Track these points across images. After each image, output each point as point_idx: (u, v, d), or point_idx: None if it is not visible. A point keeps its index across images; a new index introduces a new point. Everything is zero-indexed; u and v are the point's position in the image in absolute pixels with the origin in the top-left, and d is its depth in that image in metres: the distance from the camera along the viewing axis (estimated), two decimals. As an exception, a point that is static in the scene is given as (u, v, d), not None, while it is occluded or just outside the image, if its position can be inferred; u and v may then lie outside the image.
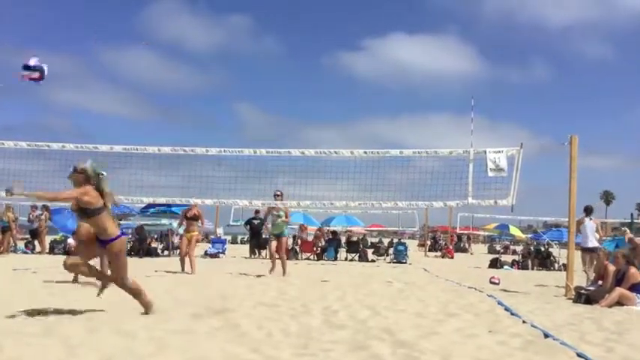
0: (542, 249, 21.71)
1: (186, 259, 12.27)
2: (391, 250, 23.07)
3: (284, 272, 11.90)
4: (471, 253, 34.94)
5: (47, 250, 19.63)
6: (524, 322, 6.56)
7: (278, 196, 11.72)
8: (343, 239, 24.08)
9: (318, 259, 20.96)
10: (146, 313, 6.29)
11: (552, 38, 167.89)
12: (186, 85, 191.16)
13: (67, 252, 18.41)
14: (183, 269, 12.26)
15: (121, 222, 30.56)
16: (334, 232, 24.16)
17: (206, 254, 20.62)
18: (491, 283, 11.85)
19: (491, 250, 36.86)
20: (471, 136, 11.11)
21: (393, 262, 20.63)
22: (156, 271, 12.15)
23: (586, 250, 11.65)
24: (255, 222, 20.56)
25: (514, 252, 31.44)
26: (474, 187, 10.76)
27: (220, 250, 21.18)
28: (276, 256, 12.10)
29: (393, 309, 7.46)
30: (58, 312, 6.20)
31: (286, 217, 11.90)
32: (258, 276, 11.93)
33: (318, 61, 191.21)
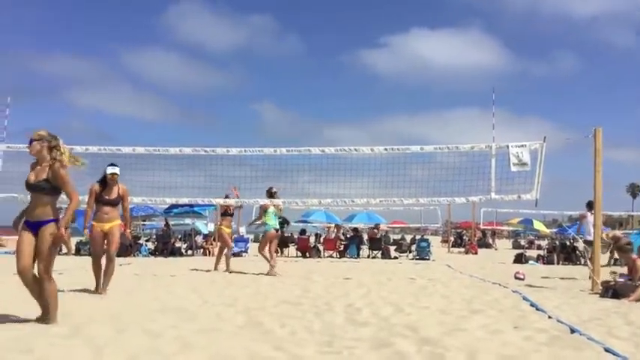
0: (568, 243, 21.41)
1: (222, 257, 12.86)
2: (414, 247, 22.98)
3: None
4: (495, 249, 34.64)
5: (73, 252, 19.93)
6: (549, 317, 6.49)
7: (275, 193, 11.87)
8: (365, 236, 24.05)
9: (340, 257, 20.96)
10: (43, 320, 5.53)
11: (577, 29, 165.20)
12: (206, 85, 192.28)
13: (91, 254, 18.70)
14: (224, 266, 12.64)
15: (145, 222, 31.16)
16: (355, 230, 24.14)
17: (229, 253, 20.75)
18: (516, 278, 11.73)
19: (515, 246, 36.49)
20: (493, 130, 10.98)
21: (416, 259, 20.54)
22: (189, 269, 12.26)
23: (588, 243, 11.55)
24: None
25: (539, 247, 31.08)
26: (497, 182, 10.65)
27: (243, 249, 21.30)
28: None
29: (416, 306, 7.43)
30: (85, 313, 6.29)
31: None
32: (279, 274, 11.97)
33: (339, 59, 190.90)
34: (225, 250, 12.97)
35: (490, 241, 37.49)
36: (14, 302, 6.48)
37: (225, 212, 13.34)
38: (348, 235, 23.89)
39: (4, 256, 15.61)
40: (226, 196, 12.22)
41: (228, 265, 12.65)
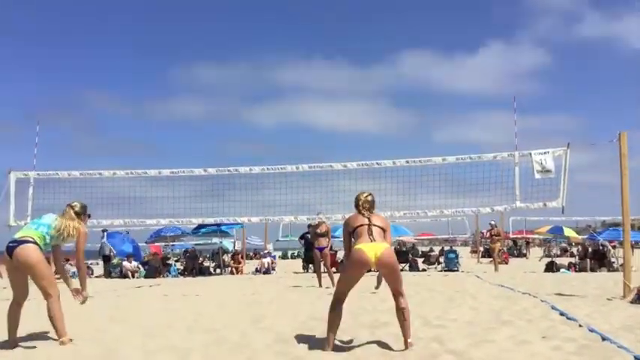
0: (600, 249, 21.01)
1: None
2: (442, 259, 22.78)
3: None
4: (527, 258, 34.12)
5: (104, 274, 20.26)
6: (580, 325, 6.39)
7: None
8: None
9: (368, 271, 20.86)
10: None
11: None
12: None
13: (123, 275, 18.99)
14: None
15: (175, 243, 31.52)
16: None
17: (257, 271, 20.85)
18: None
19: (547, 254, 35.88)
20: (516, 138, 10.93)
21: (445, 271, 20.35)
22: (217, 288, 12.36)
23: None
24: (310, 236, 20.68)
25: (572, 254, 30.53)
26: (522, 190, 10.57)
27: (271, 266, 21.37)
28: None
29: (444, 318, 7.38)
30: (117, 334, 6.40)
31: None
32: (309, 287, 11.99)
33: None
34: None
35: (523, 250, 36.95)
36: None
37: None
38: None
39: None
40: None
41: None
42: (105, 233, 20.42)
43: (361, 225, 5.46)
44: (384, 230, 5.49)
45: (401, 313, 5.45)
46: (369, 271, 5.94)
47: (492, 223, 21.41)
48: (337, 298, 5.57)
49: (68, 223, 5.66)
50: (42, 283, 5.43)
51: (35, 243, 5.42)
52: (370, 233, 5.38)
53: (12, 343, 5.64)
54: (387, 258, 5.34)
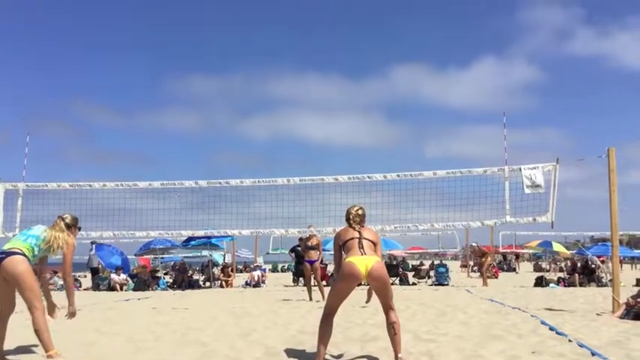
0: (589, 264, 21.11)
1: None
2: (432, 273, 22.80)
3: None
4: (516, 272, 34.22)
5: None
6: (569, 340, 6.41)
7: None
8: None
9: (358, 285, 20.82)
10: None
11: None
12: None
13: (111, 288, 18.84)
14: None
15: (164, 255, 31.39)
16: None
17: (247, 284, 20.76)
18: None
19: (536, 268, 36.04)
20: (505, 153, 11.02)
21: (435, 285, 20.36)
22: (205, 301, 12.28)
23: None
24: (300, 249, 20.64)
25: (560, 269, 30.68)
26: (512, 205, 10.64)
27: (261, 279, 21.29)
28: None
29: (434, 332, 7.38)
30: (105, 347, 6.34)
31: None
32: (299, 300, 11.95)
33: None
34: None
35: (512, 264, 37.07)
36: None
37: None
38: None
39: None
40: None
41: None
42: (94, 246, 20.28)
43: (352, 238, 5.46)
44: (374, 244, 5.49)
45: (391, 327, 5.44)
46: (360, 284, 5.92)
47: (474, 244, 21.59)
48: (328, 311, 5.54)
49: (57, 235, 5.61)
50: (28, 295, 5.34)
51: (23, 255, 5.37)
52: (361, 246, 5.38)
53: None
54: (378, 271, 5.34)
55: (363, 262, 5.28)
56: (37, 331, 5.33)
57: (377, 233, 5.87)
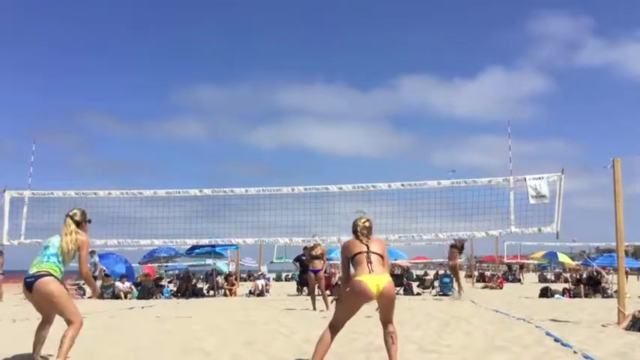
0: (595, 275, 20.99)
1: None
2: (437, 283, 22.70)
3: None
4: (521, 283, 34.05)
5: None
6: (575, 352, 6.37)
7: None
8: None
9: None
10: None
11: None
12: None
13: (116, 296, 18.84)
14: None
15: (168, 264, 31.42)
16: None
17: (250, 293, 20.73)
18: None
19: (541, 279, 35.86)
20: (510, 163, 11.01)
21: (439, 295, 20.27)
22: (210, 310, 12.26)
23: None
24: (305, 258, 20.60)
25: (566, 280, 30.51)
26: (517, 215, 10.62)
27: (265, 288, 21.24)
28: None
29: (438, 343, 7.35)
30: (108, 356, 6.34)
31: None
32: (303, 310, 11.93)
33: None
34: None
35: (517, 275, 36.88)
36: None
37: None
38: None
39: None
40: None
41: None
42: (95, 254, 20.30)
43: (360, 252, 5.40)
44: (382, 257, 5.45)
45: (389, 336, 5.42)
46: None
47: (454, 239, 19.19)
48: (334, 323, 5.45)
49: (67, 240, 5.68)
50: (65, 315, 5.52)
51: (50, 274, 5.50)
52: (369, 262, 5.32)
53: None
54: (389, 292, 5.31)
55: (375, 282, 5.21)
56: (64, 337, 5.42)
57: (384, 243, 5.83)
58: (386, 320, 5.47)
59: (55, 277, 5.51)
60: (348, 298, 5.43)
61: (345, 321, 5.51)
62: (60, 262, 5.63)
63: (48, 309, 5.63)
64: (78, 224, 5.82)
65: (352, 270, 5.46)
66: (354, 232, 5.59)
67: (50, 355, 6.02)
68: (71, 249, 5.66)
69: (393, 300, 5.42)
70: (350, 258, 5.47)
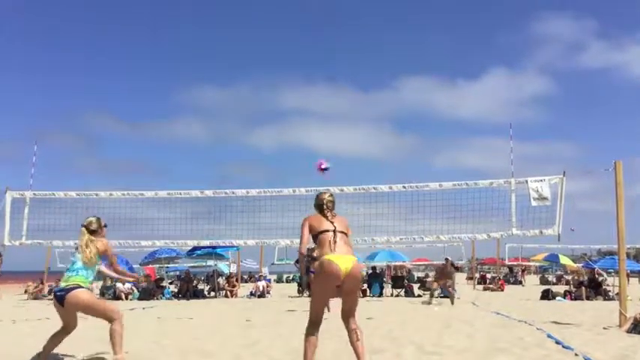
0: (596, 278, 20.92)
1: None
2: (437, 285, 22.64)
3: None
4: (523, 285, 33.99)
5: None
6: (576, 355, 6.35)
7: None
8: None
9: (363, 296, 20.75)
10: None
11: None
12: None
13: (117, 297, 18.84)
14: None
15: (169, 265, 31.42)
16: (374, 268, 23.91)
17: (251, 295, 20.72)
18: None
19: (543, 281, 35.79)
20: (512, 165, 11.00)
21: (440, 297, 20.23)
22: (210, 311, 12.25)
23: None
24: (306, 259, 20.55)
25: (567, 282, 30.44)
26: (518, 218, 10.61)
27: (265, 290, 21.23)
28: None
29: (440, 345, 7.34)
30: (106, 355, 6.33)
31: None
32: (304, 311, 11.91)
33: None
34: None
35: (519, 277, 36.81)
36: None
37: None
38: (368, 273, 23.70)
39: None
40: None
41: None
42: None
43: (326, 230, 5.14)
44: (346, 235, 5.23)
45: (354, 333, 5.09)
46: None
47: (448, 258, 19.70)
48: (314, 319, 5.10)
49: (87, 252, 5.86)
50: (105, 315, 5.82)
51: (80, 286, 5.74)
52: (335, 241, 5.06)
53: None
54: (357, 273, 5.07)
55: (343, 261, 4.93)
56: (112, 331, 5.73)
57: (347, 220, 5.52)
58: (349, 313, 5.14)
59: (84, 287, 5.77)
60: (318, 282, 5.12)
61: (322, 310, 5.19)
62: (86, 271, 5.87)
63: (73, 318, 5.87)
64: (94, 232, 6.01)
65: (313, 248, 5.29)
66: (319, 206, 5.34)
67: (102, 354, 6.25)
68: (93, 256, 5.89)
69: (359, 282, 5.24)
70: (315, 235, 5.19)
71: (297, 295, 21.06)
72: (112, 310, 5.90)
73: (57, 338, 5.99)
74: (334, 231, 5.11)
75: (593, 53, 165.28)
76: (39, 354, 5.94)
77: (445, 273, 17.63)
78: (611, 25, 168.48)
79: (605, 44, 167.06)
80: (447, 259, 18.76)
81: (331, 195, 5.45)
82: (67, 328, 5.98)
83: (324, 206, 5.29)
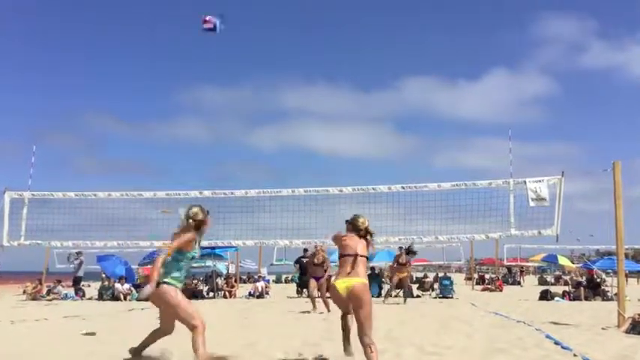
0: (595, 278, 20.95)
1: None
2: (437, 285, 22.69)
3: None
4: (521, 286, 34.01)
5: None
6: (574, 355, 6.36)
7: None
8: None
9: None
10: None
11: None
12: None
13: (115, 297, 18.82)
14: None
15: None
16: (372, 268, 23.91)
17: (250, 295, 20.71)
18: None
19: (541, 282, 35.82)
20: (510, 166, 11.01)
21: (439, 297, 20.25)
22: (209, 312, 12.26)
23: None
24: (305, 260, 20.56)
25: (566, 283, 30.47)
26: (516, 218, 10.62)
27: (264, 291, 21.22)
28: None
29: (439, 345, 7.34)
30: (104, 356, 6.33)
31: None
32: (303, 312, 11.92)
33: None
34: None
35: (517, 277, 36.82)
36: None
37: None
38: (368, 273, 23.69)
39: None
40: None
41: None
42: (79, 255, 20.39)
43: (348, 255, 5.50)
44: (366, 258, 5.63)
45: (368, 348, 5.27)
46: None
47: (402, 247, 17.77)
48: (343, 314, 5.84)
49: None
50: (184, 321, 5.82)
51: (168, 283, 5.73)
52: (352, 266, 5.44)
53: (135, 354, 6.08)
54: (358, 292, 5.35)
55: (345, 285, 5.36)
56: (195, 350, 5.70)
57: (370, 239, 5.82)
58: (361, 329, 5.32)
59: (174, 286, 5.82)
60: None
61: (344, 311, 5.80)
62: (179, 274, 5.95)
63: (171, 318, 5.92)
64: (201, 223, 6.01)
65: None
66: (355, 229, 5.65)
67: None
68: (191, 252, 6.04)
69: (362, 300, 5.35)
70: (340, 255, 5.59)
71: (296, 295, 21.05)
72: (193, 316, 5.86)
73: (152, 336, 6.13)
74: (356, 256, 5.49)
75: (593, 53, 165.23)
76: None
77: (400, 263, 16.05)
78: (612, 26, 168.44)
79: (606, 44, 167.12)
80: (400, 248, 16.44)
81: (365, 220, 5.75)
82: (163, 330, 6.11)
83: (360, 230, 5.65)
